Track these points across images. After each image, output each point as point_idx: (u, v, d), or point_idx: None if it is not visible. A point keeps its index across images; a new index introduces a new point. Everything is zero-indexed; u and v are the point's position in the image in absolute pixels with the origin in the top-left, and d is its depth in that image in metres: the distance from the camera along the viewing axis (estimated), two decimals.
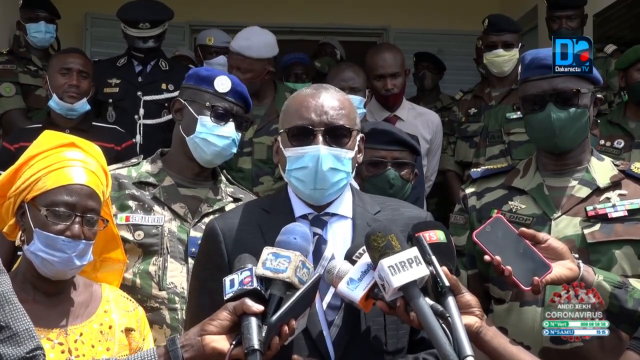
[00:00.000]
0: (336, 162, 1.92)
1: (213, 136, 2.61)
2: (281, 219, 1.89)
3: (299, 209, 1.98)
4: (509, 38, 4.42)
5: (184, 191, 2.66)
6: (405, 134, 2.97)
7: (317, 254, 1.90)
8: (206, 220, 2.59)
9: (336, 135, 1.93)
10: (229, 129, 2.63)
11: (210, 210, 2.63)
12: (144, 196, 2.61)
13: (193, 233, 2.58)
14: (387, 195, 2.53)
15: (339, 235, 1.95)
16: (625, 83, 4.23)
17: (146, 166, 2.70)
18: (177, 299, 2.52)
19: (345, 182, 1.97)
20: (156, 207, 2.60)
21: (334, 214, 1.98)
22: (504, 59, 4.42)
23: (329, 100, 1.95)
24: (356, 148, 1.99)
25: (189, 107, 2.65)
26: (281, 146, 1.99)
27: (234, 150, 2.70)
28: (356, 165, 2.02)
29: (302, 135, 1.93)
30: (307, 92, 1.99)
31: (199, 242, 2.54)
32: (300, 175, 1.93)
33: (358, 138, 2.00)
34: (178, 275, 2.55)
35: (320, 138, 1.91)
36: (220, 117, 2.63)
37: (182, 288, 2.54)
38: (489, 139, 4.37)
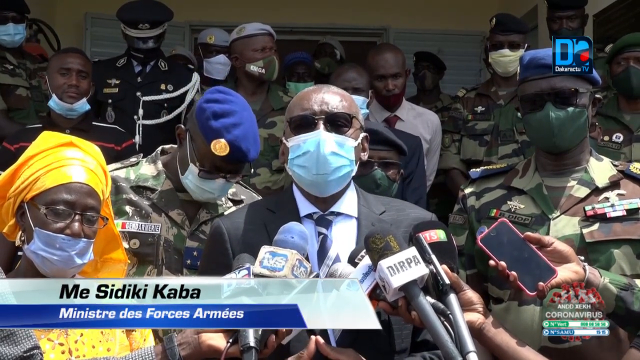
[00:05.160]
0: (337, 147, 1.96)
1: (197, 187, 2.51)
2: (286, 218, 1.90)
3: (304, 208, 2.01)
4: (515, 38, 4.40)
5: (182, 196, 2.60)
6: (392, 134, 2.97)
7: (322, 254, 1.93)
8: (204, 228, 2.57)
9: (337, 124, 1.98)
10: (216, 185, 2.49)
11: (209, 217, 2.59)
12: (142, 202, 2.57)
13: (189, 243, 2.56)
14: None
15: (344, 235, 1.97)
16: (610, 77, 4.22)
17: (145, 167, 2.65)
18: None
19: (348, 171, 2.00)
20: (153, 215, 2.56)
21: (339, 214, 2.00)
22: (510, 59, 4.41)
23: (330, 94, 2.02)
24: (359, 140, 2.02)
25: (187, 146, 2.52)
26: (285, 140, 2.02)
27: (223, 196, 2.60)
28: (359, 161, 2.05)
29: (304, 124, 1.98)
30: (310, 88, 2.07)
31: (195, 253, 2.51)
32: (302, 161, 1.96)
33: (362, 135, 2.05)
34: None
35: (321, 125, 1.96)
36: (208, 174, 2.47)
37: None
38: (500, 138, 4.37)
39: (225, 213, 2.61)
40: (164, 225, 2.56)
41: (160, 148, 2.75)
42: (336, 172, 1.96)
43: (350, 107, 2.02)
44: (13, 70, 4.71)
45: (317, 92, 2.03)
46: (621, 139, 4.04)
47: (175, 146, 2.71)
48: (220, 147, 2.41)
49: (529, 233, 1.99)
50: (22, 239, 1.99)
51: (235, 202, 2.67)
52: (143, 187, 2.60)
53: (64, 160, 1.97)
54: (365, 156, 2.08)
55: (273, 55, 4.13)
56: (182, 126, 2.60)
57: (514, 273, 1.90)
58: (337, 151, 1.95)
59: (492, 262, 1.93)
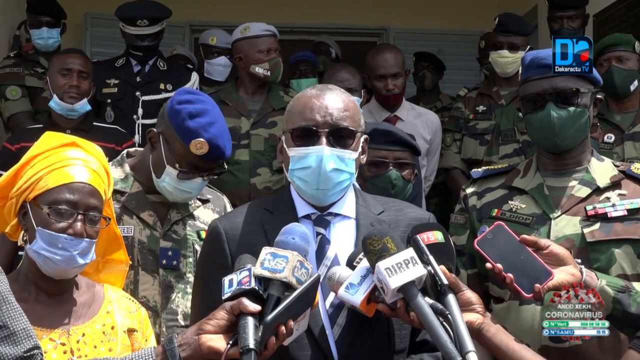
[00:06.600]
0: (339, 162, 1.93)
1: (176, 188, 2.53)
2: (284, 219, 1.89)
3: (302, 208, 1.99)
4: (515, 40, 4.40)
5: (152, 197, 2.60)
6: (406, 134, 2.98)
7: (320, 254, 1.91)
8: (175, 228, 2.59)
9: (340, 136, 1.94)
10: (194, 184, 2.54)
11: (180, 217, 2.61)
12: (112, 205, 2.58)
13: (163, 244, 2.57)
14: (389, 195, 2.53)
15: (342, 235, 1.96)
16: None
17: (112, 171, 2.57)
18: (149, 313, 2.51)
19: (349, 183, 1.98)
20: (125, 217, 2.56)
21: (337, 214, 1.98)
22: (507, 60, 4.41)
23: (333, 102, 1.95)
24: (360, 149, 1.99)
25: (162, 149, 2.53)
26: (285, 146, 1.99)
27: (198, 195, 2.63)
28: (359, 165, 2.03)
29: (306, 136, 1.94)
30: (312, 92, 1.99)
31: (169, 252, 2.53)
32: (303, 175, 1.93)
33: (362, 139, 2.01)
34: (150, 289, 2.53)
35: (324, 139, 1.92)
36: (187, 175, 2.51)
37: (155, 302, 2.53)
38: (501, 138, 4.37)
39: (195, 213, 2.65)
40: (136, 227, 2.56)
41: (125, 151, 2.75)
42: (337, 186, 1.94)
43: (354, 115, 1.97)
44: (43, 73, 4.71)
45: (320, 98, 1.95)
46: (612, 139, 4.05)
47: (140, 149, 2.71)
48: (200, 146, 2.45)
49: (525, 236, 1.99)
50: (25, 238, 1.99)
51: (203, 202, 2.69)
52: (113, 190, 2.59)
53: (66, 160, 1.97)
54: (364, 159, 2.06)
55: (278, 58, 4.11)
56: (154, 130, 2.60)
57: (510, 275, 1.89)
58: (339, 167, 1.92)
59: (488, 265, 1.93)
